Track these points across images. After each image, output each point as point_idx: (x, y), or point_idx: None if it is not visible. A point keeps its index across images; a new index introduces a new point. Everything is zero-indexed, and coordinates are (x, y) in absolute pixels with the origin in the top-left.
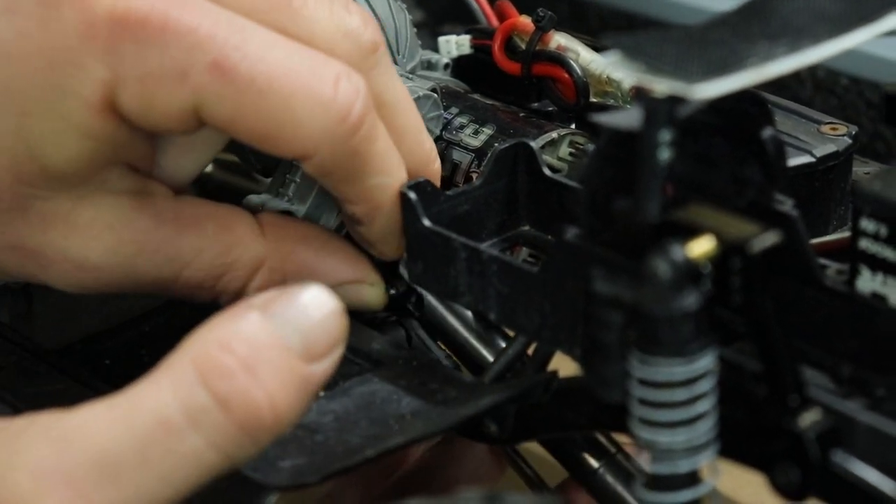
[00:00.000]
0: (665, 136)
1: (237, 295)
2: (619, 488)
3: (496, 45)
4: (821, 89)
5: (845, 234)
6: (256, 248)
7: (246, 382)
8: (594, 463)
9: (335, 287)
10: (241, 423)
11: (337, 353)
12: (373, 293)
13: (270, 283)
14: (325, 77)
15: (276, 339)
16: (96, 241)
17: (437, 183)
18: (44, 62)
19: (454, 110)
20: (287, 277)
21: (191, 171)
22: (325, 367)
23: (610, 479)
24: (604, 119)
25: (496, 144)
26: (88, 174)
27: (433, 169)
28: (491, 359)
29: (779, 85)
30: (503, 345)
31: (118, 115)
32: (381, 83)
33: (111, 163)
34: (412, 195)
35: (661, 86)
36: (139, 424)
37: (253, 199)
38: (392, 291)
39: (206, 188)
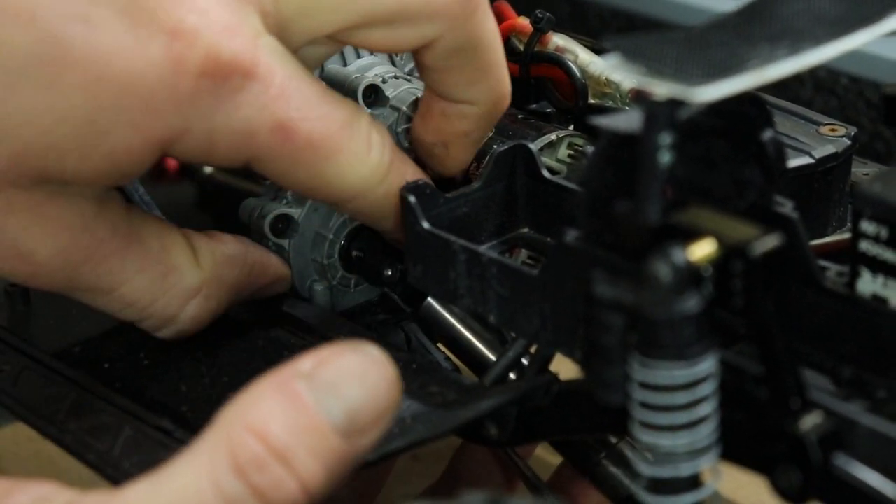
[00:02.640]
0: (665, 138)
1: (168, 321)
2: (615, 470)
3: None
4: (821, 89)
5: (844, 235)
6: (193, 277)
7: (280, 474)
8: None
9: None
10: None
11: (383, 426)
12: (285, 285)
13: (206, 310)
14: (361, 130)
15: (317, 420)
16: (52, 238)
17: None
18: (117, 88)
19: None
20: (221, 301)
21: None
22: (368, 440)
23: (610, 466)
24: (604, 122)
25: (495, 146)
26: (83, 184)
27: (505, 104)
28: (492, 358)
29: (779, 85)
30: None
31: (165, 152)
32: (479, 27)
33: (118, 183)
34: (411, 198)
35: (662, 89)
36: None
37: (251, 202)
38: (387, 272)
39: (205, 189)
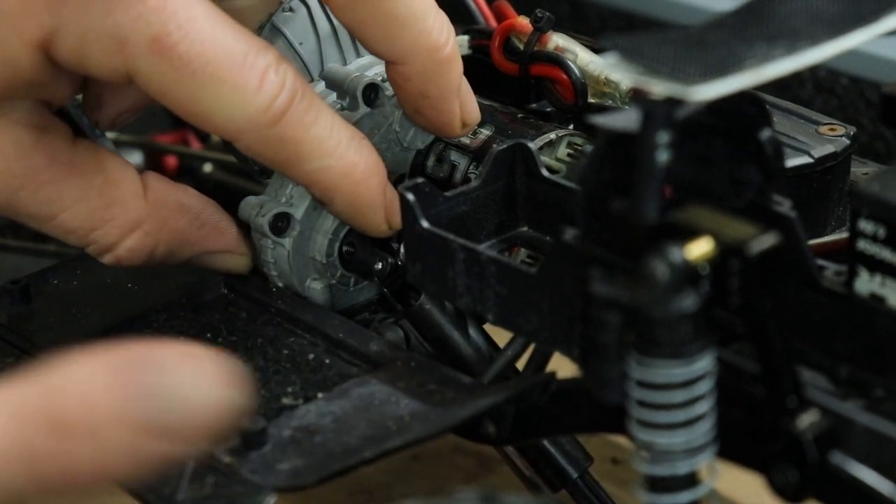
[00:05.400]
0: (663, 137)
1: (107, 249)
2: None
3: (494, 46)
4: (821, 89)
5: (843, 235)
6: (136, 210)
7: (81, 444)
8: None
9: (206, 255)
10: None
11: (205, 440)
12: (239, 262)
13: (144, 246)
14: (255, 67)
15: (135, 407)
16: None
17: (453, 73)
18: None
19: None
20: (160, 242)
21: (115, 111)
22: (183, 448)
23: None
24: (602, 120)
25: (494, 145)
26: None
27: (442, 56)
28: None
29: (779, 85)
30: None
31: (50, 59)
32: None
33: (26, 96)
34: (410, 196)
35: (659, 87)
36: None
37: (251, 200)
38: (378, 266)
39: (205, 188)
